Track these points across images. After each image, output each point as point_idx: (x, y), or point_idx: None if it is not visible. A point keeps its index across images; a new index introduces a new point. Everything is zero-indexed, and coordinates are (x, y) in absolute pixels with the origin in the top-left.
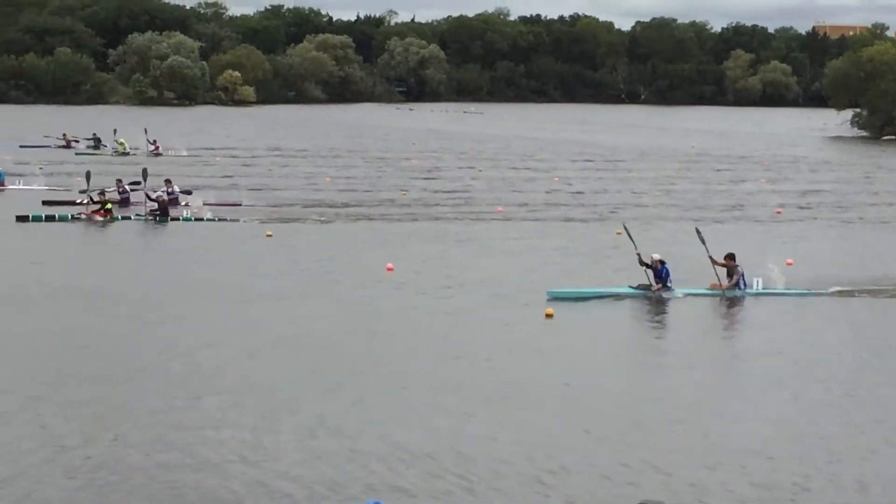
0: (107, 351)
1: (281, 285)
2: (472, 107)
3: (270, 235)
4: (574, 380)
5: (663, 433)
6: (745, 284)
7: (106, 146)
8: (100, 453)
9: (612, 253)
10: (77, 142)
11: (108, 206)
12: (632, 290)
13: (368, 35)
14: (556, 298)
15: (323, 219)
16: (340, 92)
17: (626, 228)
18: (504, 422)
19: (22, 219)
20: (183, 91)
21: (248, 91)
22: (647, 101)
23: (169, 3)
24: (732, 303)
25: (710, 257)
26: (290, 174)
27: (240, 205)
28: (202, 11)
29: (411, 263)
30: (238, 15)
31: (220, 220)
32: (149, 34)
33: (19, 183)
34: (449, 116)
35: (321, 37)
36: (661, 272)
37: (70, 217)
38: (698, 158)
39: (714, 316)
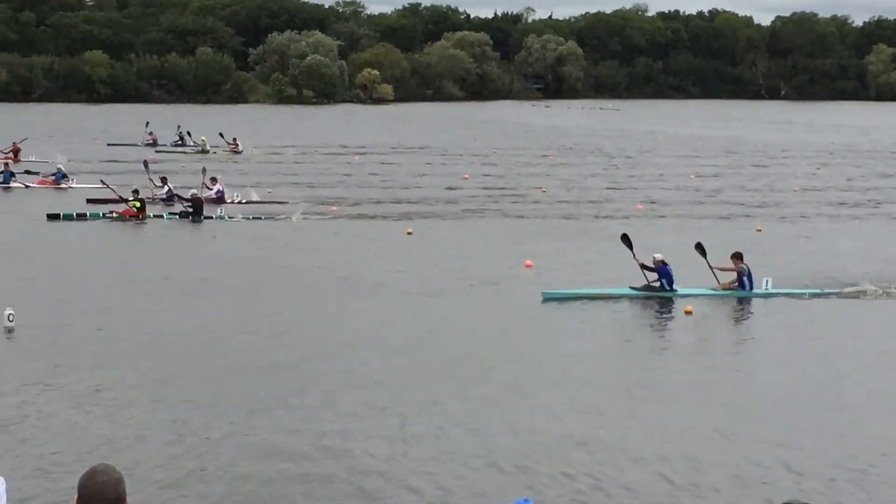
0: (242, 346)
1: (419, 282)
2: (610, 104)
3: (411, 233)
4: (713, 376)
5: (794, 431)
6: (750, 284)
7: (192, 144)
8: (231, 446)
9: (754, 249)
10: (152, 142)
11: (141, 204)
12: (633, 292)
13: (506, 32)
14: (551, 299)
15: (463, 216)
16: (478, 89)
17: (626, 239)
18: (635, 418)
19: (53, 217)
20: (322, 89)
21: (387, 89)
22: (786, 97)
23: (308, 3)
24: (740, 303)
25: (711, 266)
26: (429, 172)
27: (286, 203)
28: (341, 10)
29: (550, 260)
30: (376, 13)
31: (253, 218)
32: (288, 33)
33: (73, 181)
34: (585, 113)
35: (459, 34)
36: (662, 272)
37: (101, 215)
38: (843, 154)
39: (720, 318)
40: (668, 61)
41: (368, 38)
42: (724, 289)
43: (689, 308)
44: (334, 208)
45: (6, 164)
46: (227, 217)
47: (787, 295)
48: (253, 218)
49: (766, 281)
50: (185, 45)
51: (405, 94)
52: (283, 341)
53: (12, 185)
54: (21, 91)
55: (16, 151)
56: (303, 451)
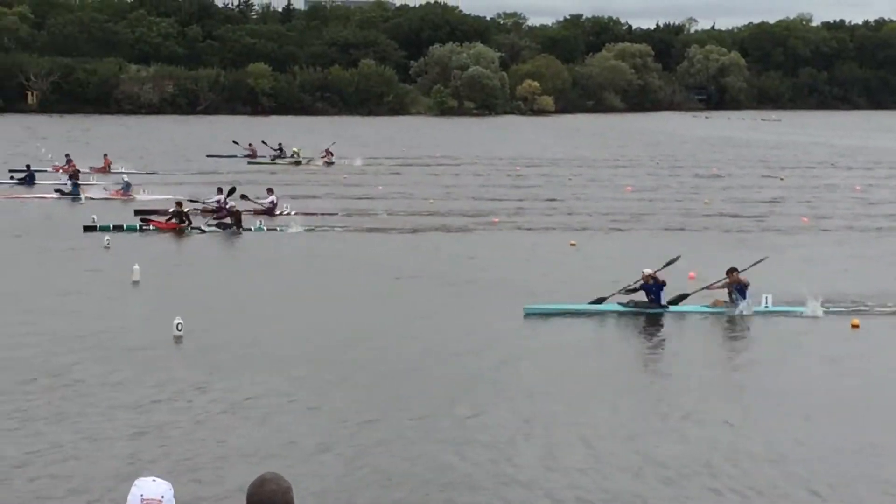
0: (392, 354)
1: (582, 292)
2: (773, 114)
3: (574, 244)
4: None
5: None
6: (743, 299)
7: (289, 155)
8: (381, 454)
9: None
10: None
11: (181, 216)
12: (621, 308)
13: (668, 43)
14: (532, 314)
15: (625, 228)
16: (639, 101)
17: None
18: (778, 432)
19: (89, 229)
20: (483, 101)
21: (547, 100)
22: None
23: (469, 15)
24: (734, 321)
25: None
26: (591, 183)
27: (335, 214)
28: (502, 22)
29: (713, 272)
30: (537, 25)
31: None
32: (450, 45)
33: (144, 192)
34: (746, 124)
35: (620, 45)
36: (651, 289)
37: (139, 228)
38: None
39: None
40: (833, 72)
41: (529, 50)
42: (717, 305)
43: (855, 321)
44: (495, 220)
45: (71, 176)
46: (265, 228)
47: (785, 313)
48: (288, 229)
49: (766, 298)
50: (347, 57)
51: (566, 105)
52: (436, 352)
53: (82, 197)
54: (187, 103)
55: (108, 164)
56: (451, 460)
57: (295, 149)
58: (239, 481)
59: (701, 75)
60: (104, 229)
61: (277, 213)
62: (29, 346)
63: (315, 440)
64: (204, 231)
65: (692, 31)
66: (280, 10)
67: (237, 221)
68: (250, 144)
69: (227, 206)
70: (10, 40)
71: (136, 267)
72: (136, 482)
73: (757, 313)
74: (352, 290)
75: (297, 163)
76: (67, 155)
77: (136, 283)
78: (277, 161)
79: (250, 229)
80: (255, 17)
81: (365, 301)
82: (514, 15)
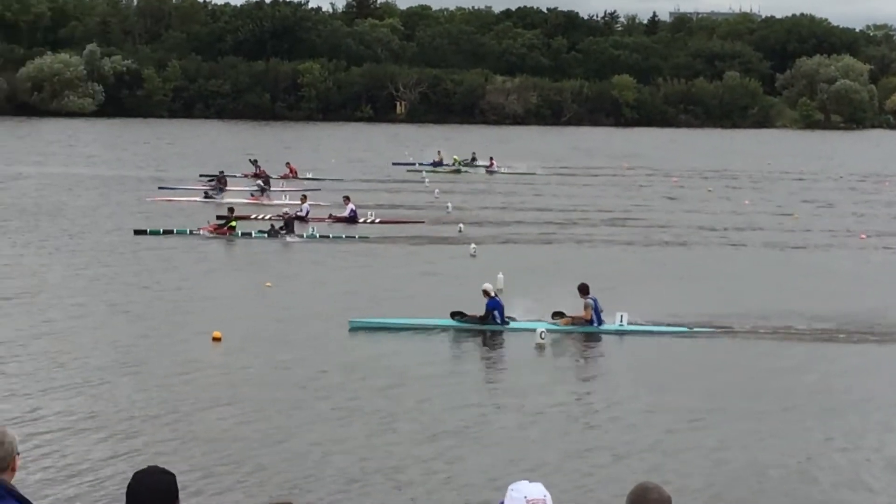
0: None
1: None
2: None
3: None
4: None
5: None
6: (598, 320)
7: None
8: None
9: None
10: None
11: (234, 223)
12: (456, 323)
13: None
14: (358, 329)
15: None
16: None
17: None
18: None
19: (139, 232)
20: (850, 114)
21: None
22: None
23: (837, 27)
24: (589, 338)
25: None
26: None
27: (423, 222)
28: (871, 34)
29: None
30: None
31: (333, 237)
32: (817, 58)
33: (286, 198)
34: None
35: None
36: (490, 305)
37: (189, 232)
38: None
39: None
40: None
41: None
42: (569, 324)
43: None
44: (862, 236)
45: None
46: (318, 236)
47: (641, 333)
48: (333, 237)
49: (621, 316)
50: (712, 69)
51: None
52: None
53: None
54: (551, 114)
55: (293, 171)
56: None
57: (455, 157)
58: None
59: None
60: (154, 233)
61: (361, 220)
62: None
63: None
64: (256, 236)
65: None
66: (645, 21)
67: (290, 227)
68: (439, 152)
69: (284, 213)
70: (381, 51)
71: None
72: (511, 486)
73: (605, 332)
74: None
75: (457, 171)
76: (255, 161)
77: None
78: (438, 169)
79: (302, 236)
80: (619, 28)
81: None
82: (883, 27)
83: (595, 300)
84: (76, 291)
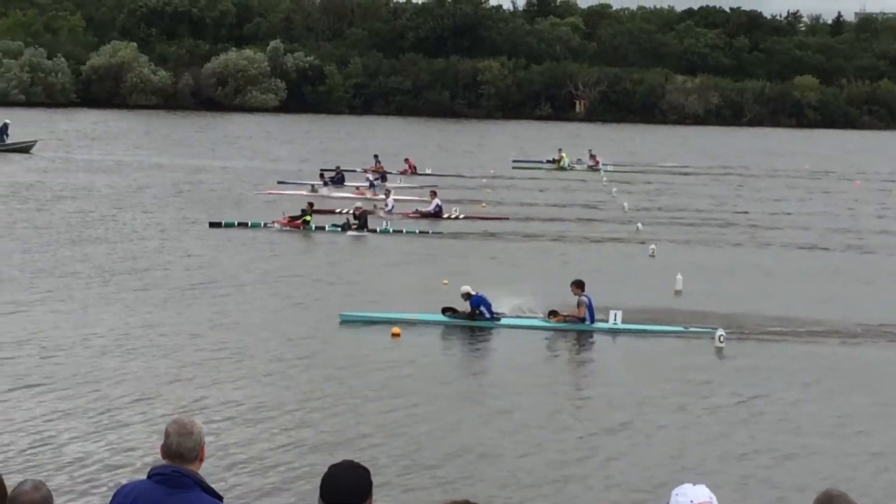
0: None
1: None
2: None
3: None
4: None
5: None
6: (591, 318)
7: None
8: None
9: None
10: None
11: (308, 217)
12: (446, 319)
13: None
14: (348, 321)
15: None
16: None
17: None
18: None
19: (215, 225)
20: None
21: None
22: None
23: None
24: (576, 337)
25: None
26: None
27: (507, 219)
28: None
29: None
30: None
31: (420, 232)
32: None
33: (392, 193)
34: None
35: None
36: (473, 303)
37: (263, 225)
38: None
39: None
40: None
41: None
42: (560, 321)
43: None
44: None
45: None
46: (391, 230)
47: (634, 332)
48: (420, 232)
49: (615, 314)
50: None
51: None
52: None
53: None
54: (732, 115)
55: (412, 167)
56: None
57: (563, 154)
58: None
59: None
60: (229, 225)
61: (445, 216)
62: None
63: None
64: (326, 230)
65: None
66: (829, 21)
67: (363, 222)
68: (560, 149)
69: (356, 208)
70: (562, 49)
71: (679, 277)
72: (675, 491)
73: (597, 330)
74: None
75: (562, 168)
76: (376, 156)
77: (678, 292)
78: (541, 166)
79: (375, 230)
80: (803, 28)
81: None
82: None
83: (589, 298)
84: (247, 282)
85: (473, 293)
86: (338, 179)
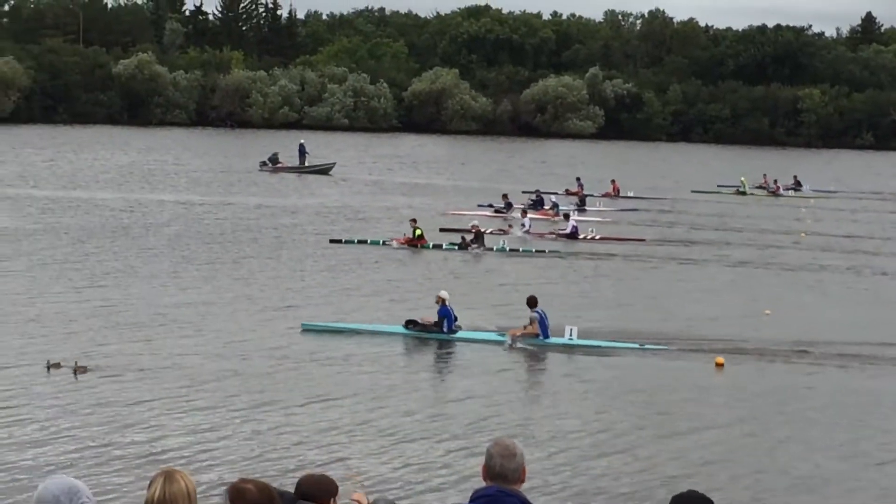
0: None
1: None
2: None
3: None
4: None
5: None
6: (545, 334)
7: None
8: None
9: None
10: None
11: (420, 233)
12: (404, 331)
13: None
14: (310, 330)
15: None
16: None
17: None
18: None
19: (335, 241)
20: None
21: None
22: None
23: None
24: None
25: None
26: None
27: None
28: None
29: None
30: None
31: (536, 252)
32: None
33: (574, 215)
34: None
35: None
36: (441, 312)
37: (382, 243)
38: None
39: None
40: None
41: None
42: (517, 336)
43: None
44: None
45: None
46: (507, 249)
47: (589, 347)
48: (523, 251)
49: (570, 330)
50: None
51: None
52: None
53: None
54: None
55: (616, 189)
56: None
57: (742, 178)
58: None
59: None
60: (349, 242)
61: (581, 237)
62: None
63: None
64: (447, 248)
65: None
66: None
67: (480, 241)
68: (742, 180)
69: (473, 226)
70: (886, 77)
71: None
72: None
73: (552, 346)
74: None
75: (742, 193)
76: (578, 178)
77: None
78: (721, 191)
79: (492, 249)
80: None
81: None
82: None
83: (541, 312)
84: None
85: (446, 302)
86: (536, 203)
